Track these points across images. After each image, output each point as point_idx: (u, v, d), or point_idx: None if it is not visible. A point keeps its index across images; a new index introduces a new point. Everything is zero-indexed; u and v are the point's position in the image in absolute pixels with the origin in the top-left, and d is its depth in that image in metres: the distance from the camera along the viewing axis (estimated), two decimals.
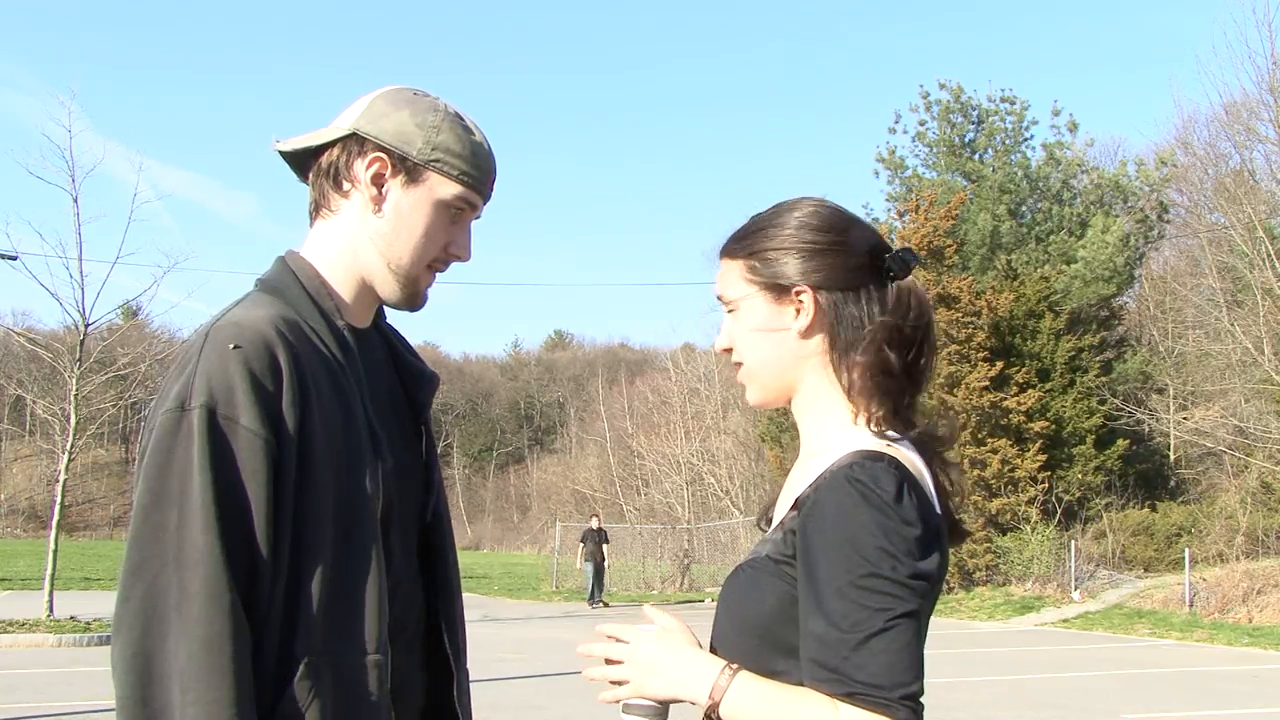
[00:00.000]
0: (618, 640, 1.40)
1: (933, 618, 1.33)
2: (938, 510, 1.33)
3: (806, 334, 1.41)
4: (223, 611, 1.29)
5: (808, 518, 1.27)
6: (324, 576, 1.40)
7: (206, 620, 1.28)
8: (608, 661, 1.41)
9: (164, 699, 1.27)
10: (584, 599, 23.44)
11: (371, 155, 1.52)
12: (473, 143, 1.56)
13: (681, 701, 1.34)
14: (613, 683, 1.39)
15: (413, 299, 1.59)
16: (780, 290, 1.41)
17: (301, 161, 1.59)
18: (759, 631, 1.32)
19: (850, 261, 1.40)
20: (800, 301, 1.41)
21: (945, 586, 1.56)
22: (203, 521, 1.30)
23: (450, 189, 1.55)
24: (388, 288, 1.57)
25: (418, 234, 1.55)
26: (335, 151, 1.54)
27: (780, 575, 1.31)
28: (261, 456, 1.34)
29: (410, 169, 1.53)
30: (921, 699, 1.21)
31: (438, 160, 1.53)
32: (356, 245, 1.55)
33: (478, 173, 1.57)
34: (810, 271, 1.40)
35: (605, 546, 23.55)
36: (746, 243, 1.46)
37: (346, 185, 1.54)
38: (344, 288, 1.56)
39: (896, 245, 1.45)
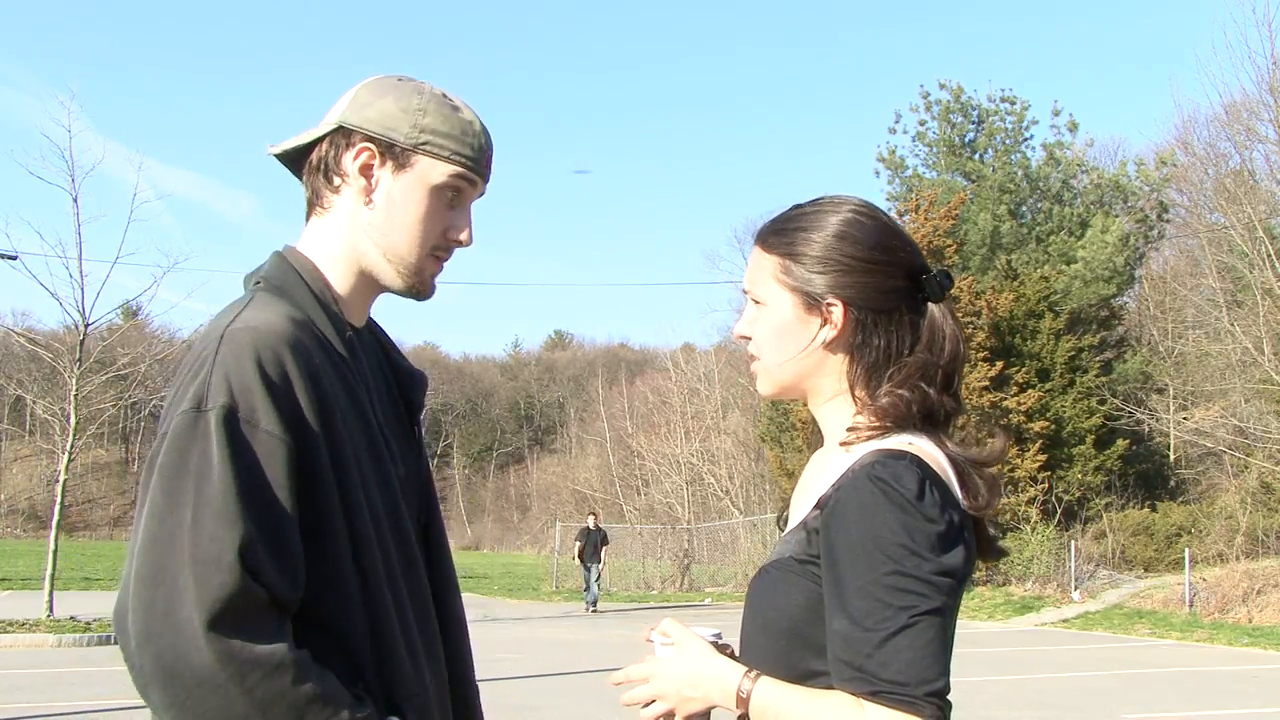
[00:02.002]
0: (639, 678, 1.40)
1: None
2: (963, 505, 1.32)
3: (830, 347, 1.39)
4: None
5: (830, 517, 1.27)
6: (395, 594, 1.39)
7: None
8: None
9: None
10: (583, 599, 22.56)
11: (359, 146, 1.49)
12: (462, 121, 1.52)
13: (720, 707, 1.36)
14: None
15: (419, 288, 1.55)
16: (810, 300, 1.39)
17: (297, 162, 1.57)
18: (788, 633, 1.32)
19: (886, 283, 1.38)
20: (830, 315, 1.38)
21: None
22: (220, 515, 1.24)
23: (442, 170, 1.50)
24: (390, 278, 1.53)
25: (412, 221, 1.51)
26: (324, 147, 1.51)
27: (806, 575, 1.31)
28: (284, 461, 1.30)
29: (398, 155, 1.49)
30: (948, 695, 1.21)
31: (426, 143, 1.49)
32: (354, 239, 1.52)
33: (470, 151, 1.52)
34: (844, 287, 1.37)
35: (604, 549, 22.40)
36: (784, 240, 1.42)
37: (337, 180, 1.51)
38: (343, 284, 1.53)
39: None
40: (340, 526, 1.36)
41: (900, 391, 1.34)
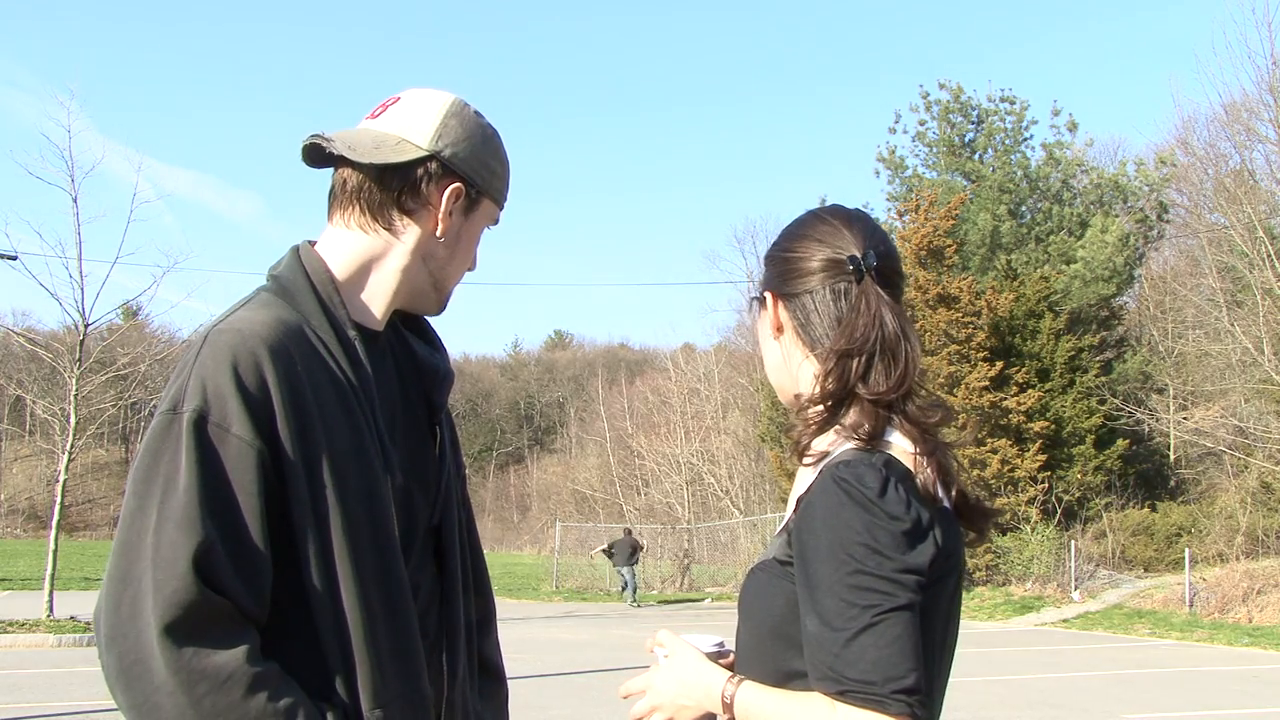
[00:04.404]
0: (638, 691, 1.44)
1: None
2: (939, 500, 1.33)
3: (777, 337, 1.46)
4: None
5: (800, 518, 1.30)
6: (363, 604, 1.39)
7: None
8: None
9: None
10: (583, 599, 23.97)
11: (453, 185, 1.51)
12: (507, 161, 1.59)
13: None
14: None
15: (442, 310, 1.62)
16: (759, 298, 1.49)
17: (325, 156, 1.53)
18: (774, 633, 1.34)
19: (801, 269, 1.43)
20: (765, 306, 1.47)
21: None
22: (180, 520, 1.27)
23: (494, 212, 1.59)
24: (428, 303, 1.59)
25: (466, 256, 1.58)
26: (418, 172, 1.50)
27: (786, 576, 1.33)
28: (253, 466, 1.32)
29: (473, 198, 1.54)
30: (919, 694, 1.21)
31: (493, 188, 1.56)
32: (411, 264, 1.53)
33: (508, 190, 1.60)
34: (770, 278, 1.46)
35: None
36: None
37: (414, 206, 1.51)
38: (379, 300, 1.53)
39: (897, 245, 1.45)
40: (310, 535, 1.36)
41: (860, 415, 1.34)
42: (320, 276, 1.49)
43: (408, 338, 1.65)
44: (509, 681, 1.81)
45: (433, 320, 1.69)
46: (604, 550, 25.00)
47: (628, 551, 24.23)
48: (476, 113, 1.56)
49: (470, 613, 1.64)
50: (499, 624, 1.81)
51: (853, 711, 1.20)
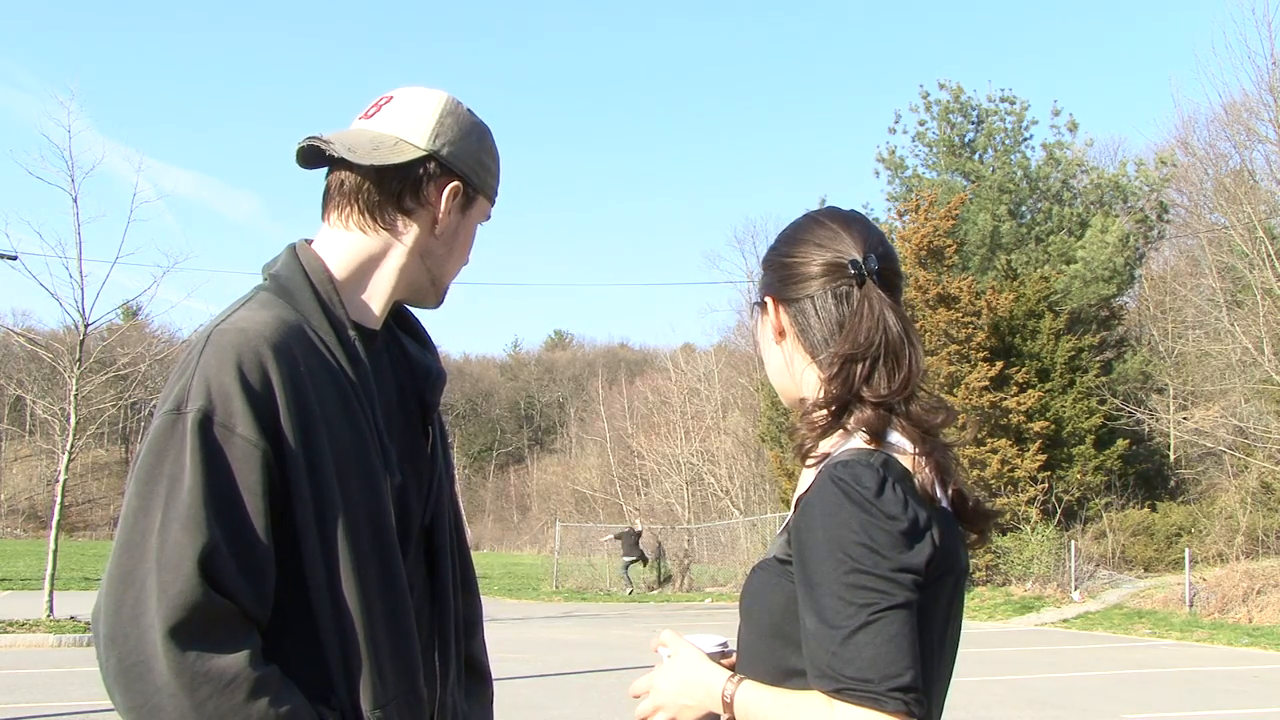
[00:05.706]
0: (642, 691, 1.45)
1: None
2: (937, 500, 1.34)
3: (779, 342, 1.46)
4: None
5: (800, 518, 1.30)
6: (364, 604, 1.39)
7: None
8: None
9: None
10: (583, 599, 24.57)
11: (452, 184, 1.52)
12: (499, 159, 1.60)
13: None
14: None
15: (439, 304, 1.63)
16: (760, 302, 1.50)
17: (319, 155, 1.53)
18: (773, 631, 1.35)
19: (802, 274, 1.43)
20: (765, 310, 1.48)
21: None
22: (186, 521, 1.27)
23: (487, 208, 1.60)
24: (428, 299, 1.60)
25: (463, 253, 1.59)
26: (418, 172, 1.50)
27: (786, 575, 1.34)
28: (258, 467, 1.31)
29: (470, 196, 1.55)
30: (915, 691, 1.21)
31: (487, 185, 1.57)
32: (409, 264, 1.53)
33: (499, 184, 1.61)
34: (770, 283, 1.48)
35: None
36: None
37: (413, 206, 1.52)
38: (378, 299, 1.53)
39: (897, 245, 1.45)
40: (313, 536, 1.36)
41: (863, 417, 1.35)
42: (319, 276, 1.49)
43: (401, 337, 1.65)
44: (510, 682, 1.81)
45: (431, 319, 1.70)
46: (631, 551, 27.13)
47: (629, 544, 26.71)
48: (469, 110, 1.57)
49: (459, 613, 1.64)
50: (498, 624, 1.81)
51: (850, 709, 1.21)
